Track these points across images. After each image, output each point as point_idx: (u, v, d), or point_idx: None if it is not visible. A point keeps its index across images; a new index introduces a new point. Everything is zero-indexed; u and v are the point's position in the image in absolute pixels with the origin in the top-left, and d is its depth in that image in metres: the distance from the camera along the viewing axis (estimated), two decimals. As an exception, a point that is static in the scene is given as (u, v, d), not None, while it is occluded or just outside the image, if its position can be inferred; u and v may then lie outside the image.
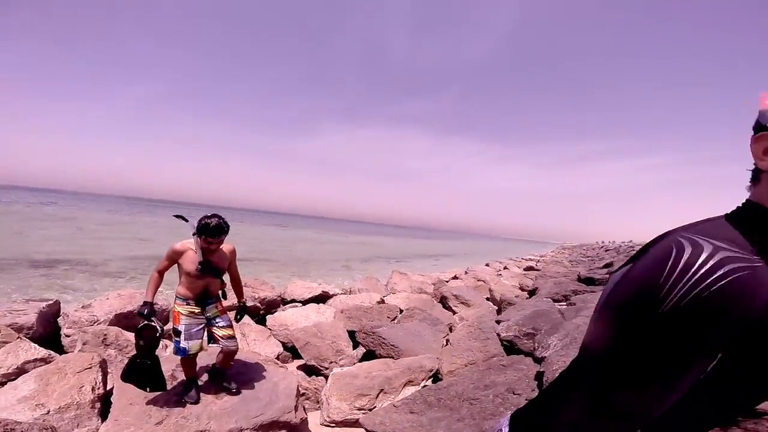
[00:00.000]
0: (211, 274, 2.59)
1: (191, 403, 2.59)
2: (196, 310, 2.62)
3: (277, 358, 4.72)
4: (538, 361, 3.06)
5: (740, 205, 0.56)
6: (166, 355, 3.36)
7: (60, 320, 4.58)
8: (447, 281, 11.98)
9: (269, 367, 3.52)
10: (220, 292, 2.78)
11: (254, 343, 4.98)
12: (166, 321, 5.17)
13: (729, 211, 0.55)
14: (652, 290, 0.46)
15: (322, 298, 8.13)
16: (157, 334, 2.43)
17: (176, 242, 2.58)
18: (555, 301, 6.97)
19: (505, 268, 18.44)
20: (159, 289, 2.60)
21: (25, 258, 11.59)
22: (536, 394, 2.55)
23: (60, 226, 23.79)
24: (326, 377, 3.85)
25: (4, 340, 3.15)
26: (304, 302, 7.84)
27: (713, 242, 0.45)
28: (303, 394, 3.49)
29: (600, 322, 0.53)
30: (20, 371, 2.98)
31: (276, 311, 6.90)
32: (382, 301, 7.90)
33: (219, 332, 2.68)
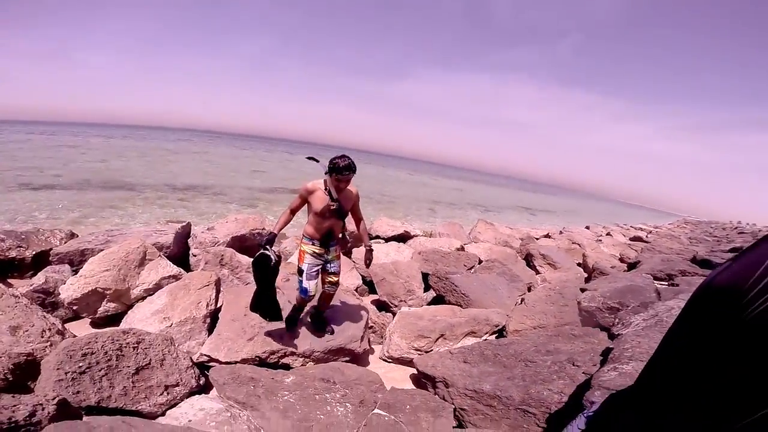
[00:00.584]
0: (336, 215, 2.67)
1: (289, 329, 3.00)
2: (319, 251, 2.76)
3: (356, 290, 5.18)
4: (613, 337, 2.84)
5: None
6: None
7: (190, 241, 5.57)
8: (537, 239, 11.30)
9: (347, 298, 3.93)
10: (340, 234, 2.84)
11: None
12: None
13: None
14: (737, 295, 0.42)
15: (403, 238, 8.44)
16: (272, 263, 2.56)
17: (308, 182, 2.69)
18: (656, 279, 6.14)
19: (607, 234, 16.60)
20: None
21: (169, 185, 14.20)
22: (596, 369, 2.43)
23: (194, 159, 28.15)
24: (394, 314, 4.15)
25: (149, 258, 3.94)
26: (387, 239, 8.28)
27: None
28: (371, 327, 3.84)
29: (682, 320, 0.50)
30: (157, 287, 3.73)
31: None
32: (462, 249, 7.88)
33: (327, 277, 2.87)
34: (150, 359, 2.28)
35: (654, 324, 2.70)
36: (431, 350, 3.29)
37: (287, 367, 2.86)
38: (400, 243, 7.72)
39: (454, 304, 4.54)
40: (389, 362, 3.35)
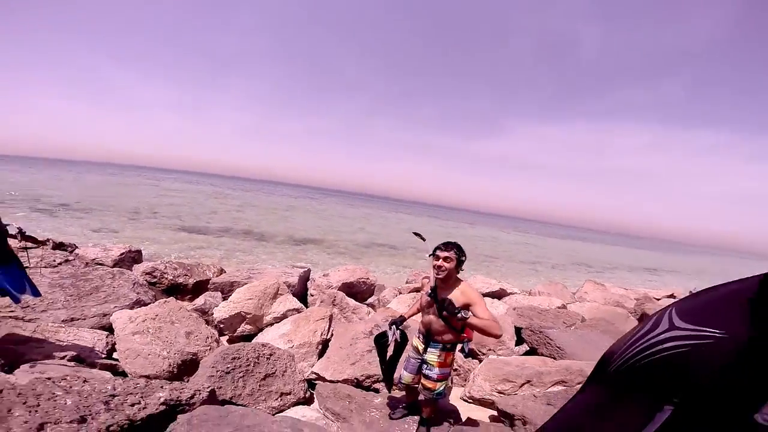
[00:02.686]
0: (436, 311, 2.32)
1: (393, 418, 2.70)
2: (420, 347, 2.49)
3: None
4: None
5: None
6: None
7: (308, 282, 6.67)
8: (658, 299, 9.92)
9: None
10: (460, 343, 2.45)
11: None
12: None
13: None
14: (610, 353, 0.60)
15: (499, 295, 8.34)
16: (388, 342, 2.52)
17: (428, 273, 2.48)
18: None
19: None
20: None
21: (289, 236, 16.56)
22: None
23: (309, 215, 32.06)
24: (480, 361, 4.29)
25: (281, 293, 4.95)
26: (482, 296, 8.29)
27: (676, 320, 0.54)
28: (455, 369, 4.05)
29: None
30: (284, 316, 4.64)
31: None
32: (564, 307, 7.48)
33: (423, 380, 2.49)
34: (276, 369, 2.97)
35: None
36: (516, 394, 3.38)
37: (377, 391, 3.30)
38: (496, 299, 7.68)
39: (546, 356, 4.46)
40: (469, 402, 3.51)
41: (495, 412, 3.10)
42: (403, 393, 2.85)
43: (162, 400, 2.14)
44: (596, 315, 6.73)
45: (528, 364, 3.86)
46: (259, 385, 2.92)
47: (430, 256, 2.35)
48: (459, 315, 2.16)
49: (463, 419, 2.96)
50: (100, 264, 5.89)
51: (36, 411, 1.75)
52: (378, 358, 2.69)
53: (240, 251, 11.94)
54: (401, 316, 2.64)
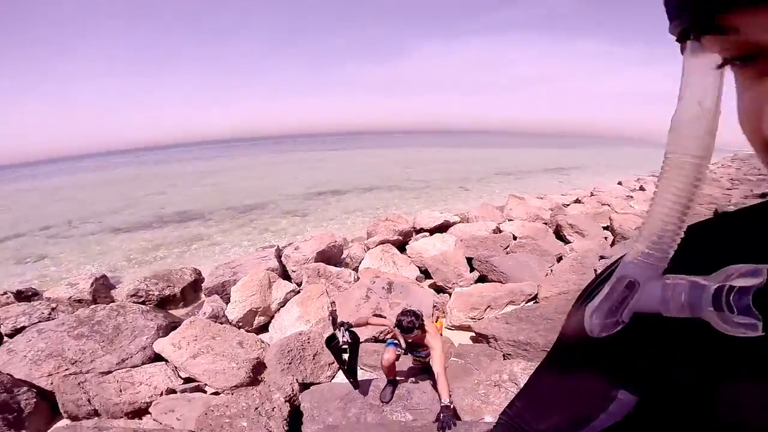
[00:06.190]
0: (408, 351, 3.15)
1: (384, 402, 3.07)
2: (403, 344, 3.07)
3: (416, 279, 6.60)
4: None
5: None
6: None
7: (283, 259, 7.19)
8: (567, 205, 12.11)
9: (414, 287, 5.41)
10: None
11: (401, 268, 6.92)
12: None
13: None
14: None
15: (444, 227, 9.74)
16: (339, 344, 2.85)
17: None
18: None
19: (640, 188, 16.34)
20: None
21: (229, 207, 16.24)
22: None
23: (240, 174, 30.46)
24: (450, 294, 5.56)
25: (272, 280, 5.57)
26: (431, 231, 9.60)
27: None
28: (435, 306, 5.27)
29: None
30: (285, 299, 5.33)
31: (409, 241, 8.80)
32: (498, 230, 9.07)
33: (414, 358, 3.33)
34: (317, 348, 3.84)
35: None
36: (482, 318, 4.69)
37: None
38: (443, 233, 8.99)
39: (495, 281, 5.88)
40: (452, 330, 4.79)
41: (473, 333, 4.38)
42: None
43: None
44: (523, 233, 8.38)
45: (485, 292, 5.17)
46: (314, 364, 3.74)
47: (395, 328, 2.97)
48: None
49: (453, 341, 4.23)
50: (81, 302, 5.89)
51: None
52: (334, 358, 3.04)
53: (192, 240, 11.70)
54: (348, 322, 2.99)
